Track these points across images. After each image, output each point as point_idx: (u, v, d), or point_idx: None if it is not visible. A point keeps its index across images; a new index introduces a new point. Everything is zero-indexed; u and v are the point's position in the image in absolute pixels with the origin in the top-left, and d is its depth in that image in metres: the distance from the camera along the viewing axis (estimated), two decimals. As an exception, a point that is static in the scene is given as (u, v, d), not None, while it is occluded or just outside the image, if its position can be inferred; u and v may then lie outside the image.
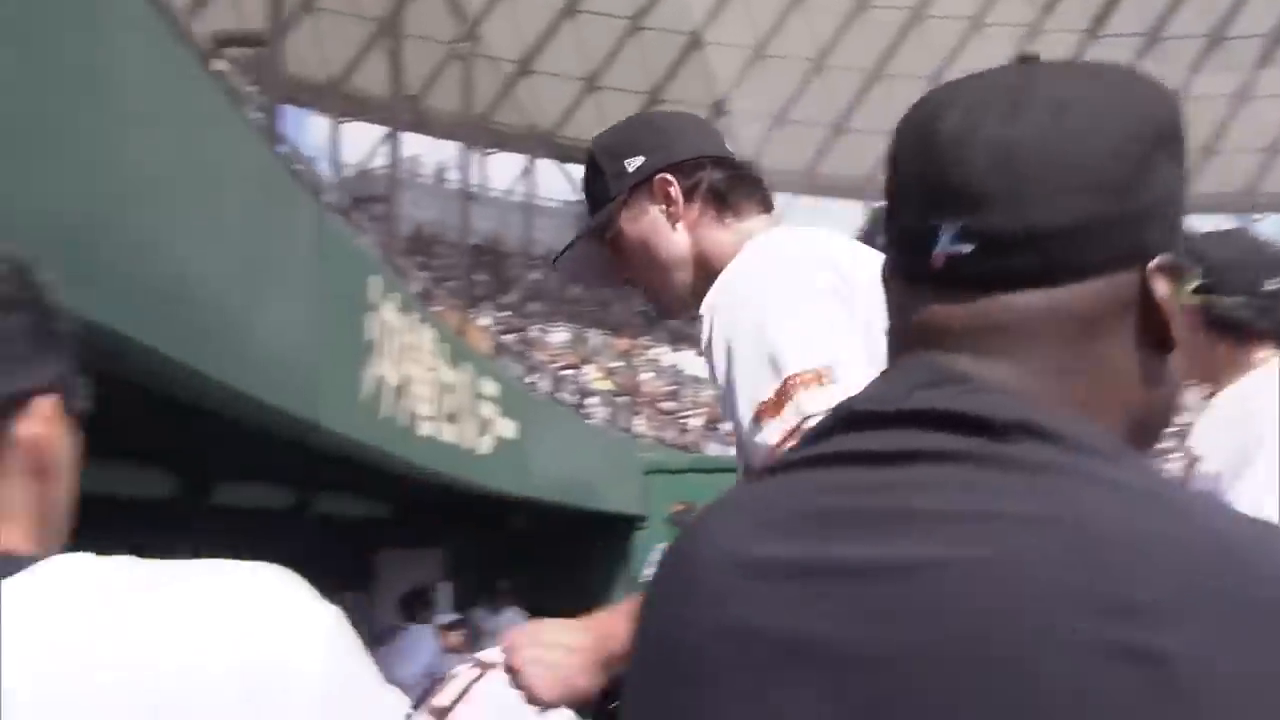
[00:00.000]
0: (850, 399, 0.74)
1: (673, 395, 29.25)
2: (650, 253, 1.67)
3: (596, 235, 1.72)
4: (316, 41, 28.21)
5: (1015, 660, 0.59)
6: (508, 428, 8.60)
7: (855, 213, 39.41)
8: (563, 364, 19.15)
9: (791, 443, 1.31)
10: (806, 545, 0.66)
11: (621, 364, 28.58)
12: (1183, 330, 0.71)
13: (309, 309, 4.37)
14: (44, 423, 0.85)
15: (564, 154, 32.21)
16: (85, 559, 0.82)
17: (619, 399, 22.87)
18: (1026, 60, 0.74)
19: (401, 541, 10.52)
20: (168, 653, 0.78)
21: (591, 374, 24.23)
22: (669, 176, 1.66)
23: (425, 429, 6.39)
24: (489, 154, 31.77)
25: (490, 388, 8.21)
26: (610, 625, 1.43)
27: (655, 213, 1.66)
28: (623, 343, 30.26)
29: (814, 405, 1.35)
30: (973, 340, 0.70)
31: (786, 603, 0.65)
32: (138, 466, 5.52)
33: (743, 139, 36.51)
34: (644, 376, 28.42)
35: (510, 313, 25.88)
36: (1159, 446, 0.79)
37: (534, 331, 18.43)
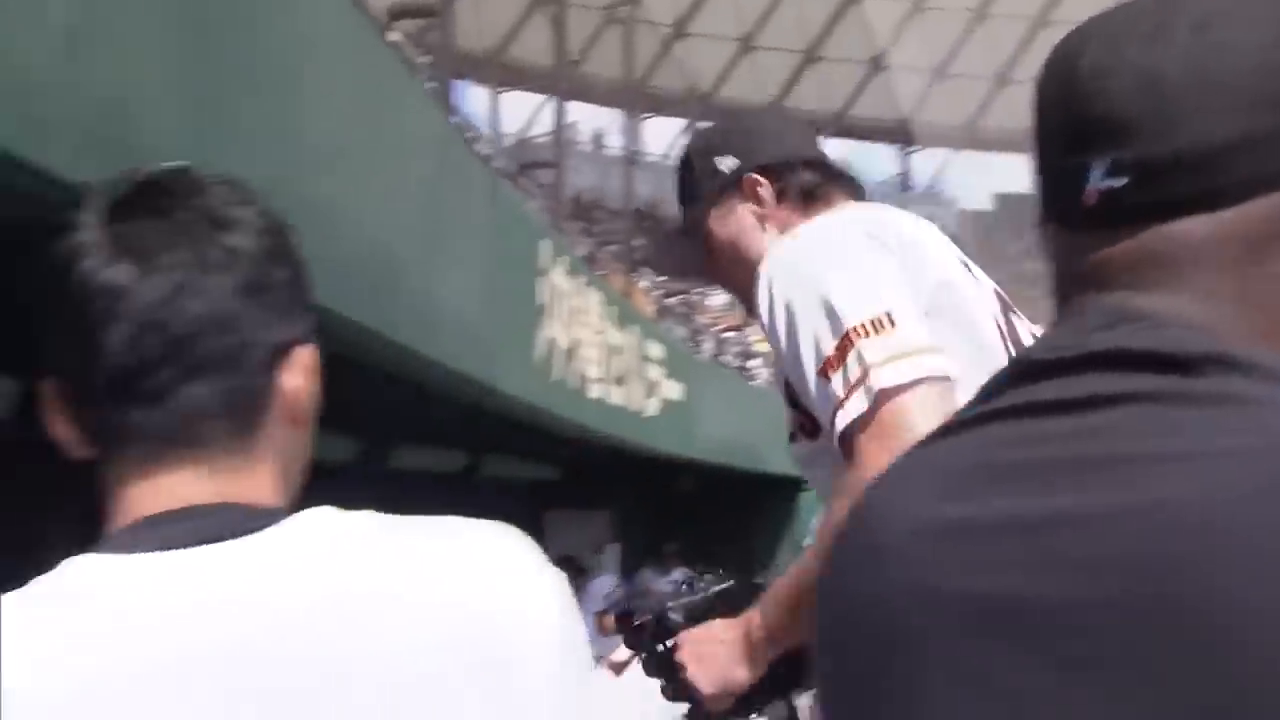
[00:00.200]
0: (1025, 349, 0.71)
1: (834, 357, 28.93)
2: (738, 252, 1.67)
3: (687, 232, 1.74)
4: (475, 12, 28.64)
5: (1224, 606, 0.56)
6: (674, 390, 8.64)
7: (1019, 167, 38.34)
8: (725, 326, 19.15)
9: (858, 393, 1.36)
10: (992, 503, 0.64)
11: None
12: None
13: (484, 273, 4.44)
14: (303, 373, 0.86)
15: (723, 117, 32.01)
16: (332, 511, 0.83)
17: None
18: None
19: (569, 503, 10.68)
20: (421, 595, 0.79)
21: (753, 336, 24.19)
22: (759, 177, 1.66)
23: (594, 391, 6.45)
24: (646, 118, 31.87)
25: (656, 350, 8.25)
26: (753, 619, 1.49)
27: (745, 213, 1.67)
28: (782, 305, 30.02)
29: (874, 353, 1.37)
30: (1137, 276, 0.67)
31: (978, 563, 0.63)
32: (320, 431, 5.70)
33: (901, 95, 35.86)
34: (804, 338, 28.17)
35: (669, 276, 25.98)
36: None
37: (694, 295, 18.50)
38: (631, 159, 14.57)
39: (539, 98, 29.45)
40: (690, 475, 10.58)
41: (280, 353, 0.85)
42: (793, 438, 1.57)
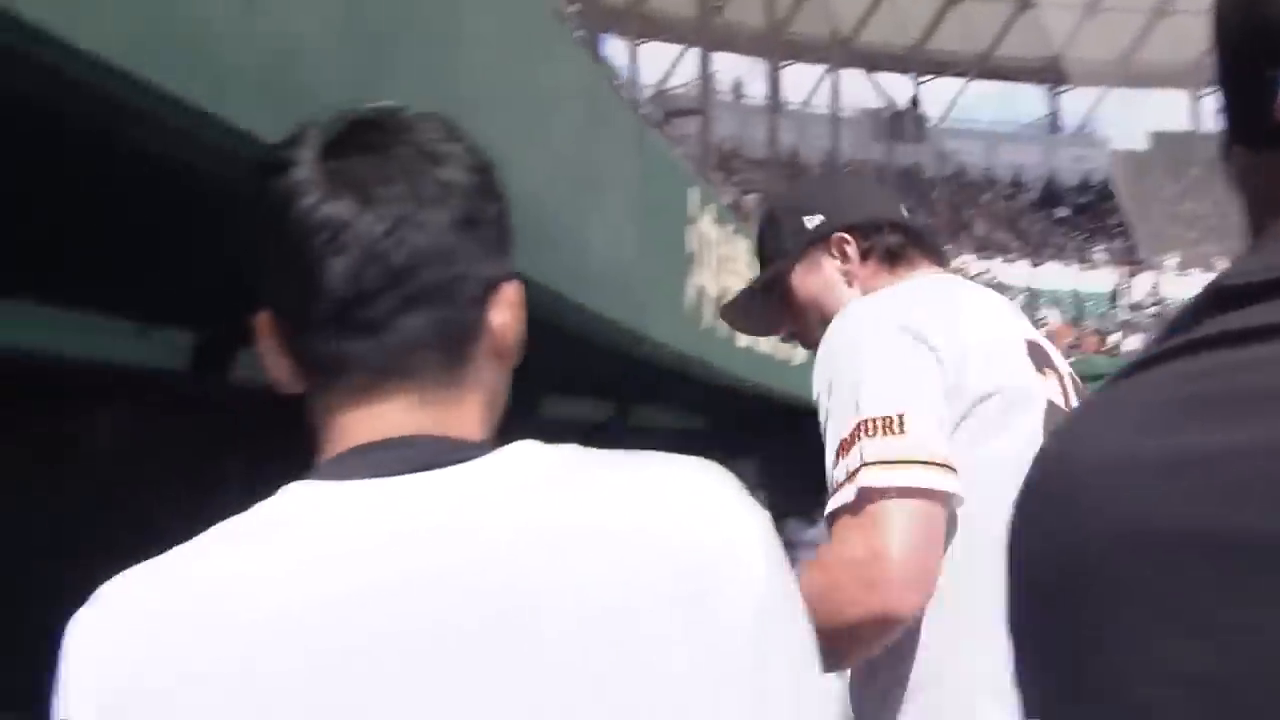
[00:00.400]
0: (1219, 275, 0.67)
1: (981, 305, 28.35)
2: (821, 309, 1.69)
3: (766, 287, 1.76)
4: (612, -36, 28.56)
5: None
6: (820, 338, 8.56)
7: (1178, 103, 36.78)
8: (869, 274, 18.99)
9: (849, 484, 1.40)
10: (1194, 435, 0.61)
11: (926, 274, 27.90)
12: None
13: (634, 221, 4.45)
14: (509, 309, 0.87)
15: (863, 61, 31.47)
16: (537, 445, 0.84)
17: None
18: None
19: (716, 453, 10.67)
20: (625, 528, 0.79)
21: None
22: (846, 235, 1.69)
23: (743, 340, 6.44)
24: (785, 65, 31.44)
25: (802, 298, 8.18)
26: None
27: (830, 270, 1.70)
28: (927, 252, 29.50)
29: (872, 452, 1.41)
30: None
31: (1180, 497, 0.60)
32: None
33: (1050, 31, 34.64)
34: (950, 286, 27.68)
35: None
36: None
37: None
38: (774, 106, 14.40)
39: (676, 49, 29.26)
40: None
41: (490, 287, 0.86)
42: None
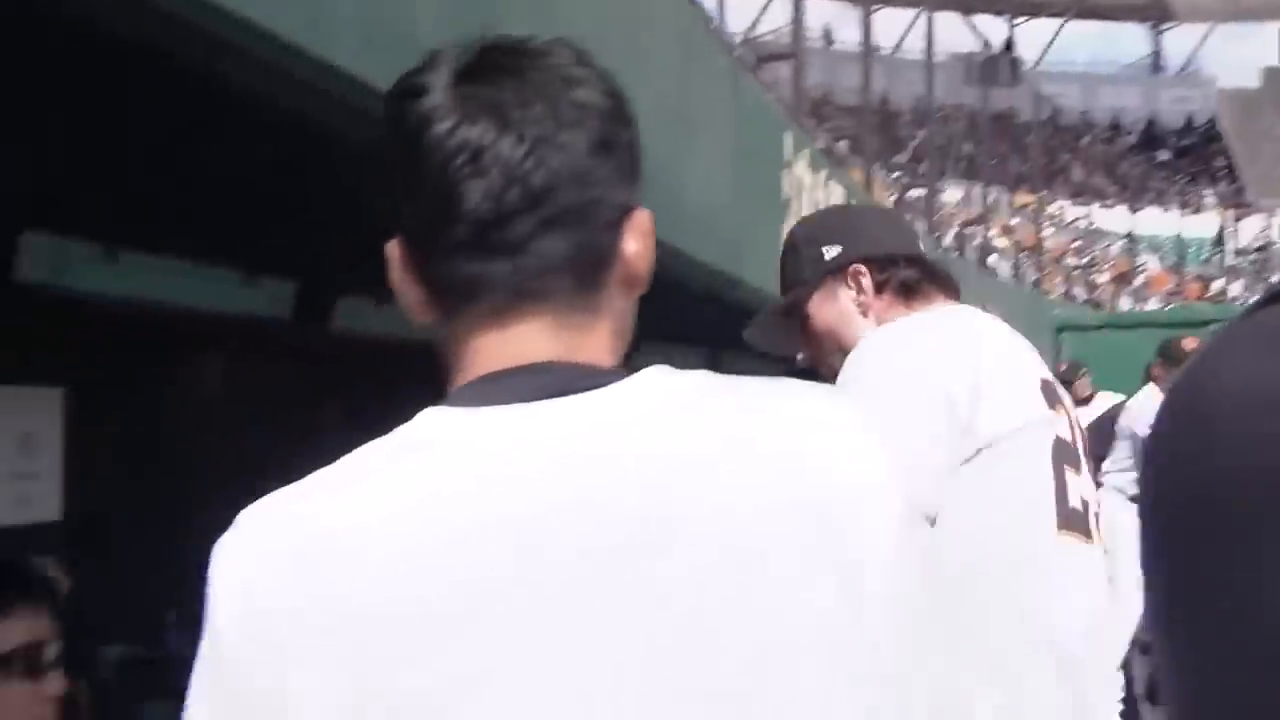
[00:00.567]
0: None
1: (1079, 251, 27.75)
2: (837, 337, 1.74)
3: (789, 313, 1.80)
4: (699, -90, 28.16)
5: None
6: (914, 285, 8.45)
7: (1288, 39, 35.37)
8: (965, 220, 18.60)
9: None
10: None
11: (1022, 221, 27.37)
12: None
13: (729, 165, 4.42)
14: (641, 237, 0.87)
15: (957, 4, 30.76)
16: (669, 370, 0.83)
17: (1023, 254, 21.98)
18: None
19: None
20: (756, 453, 0.79)
21: (992, 231, 23.39)
22: (863, 267, 1.73)
23: (836, 286, 6.38)
24: (876, 9, 30.86)
25: (896, 244, 8.07)
26: None
27: (846, 300, 1.74)
28: (1023, 198, 28.92)
29: None
30: None
31: None
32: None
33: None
34: (1047, 232, 27.11)
35: (901, 172, 25.31)
36: None
37: (927, 190, 18.00)
38: (867, 52, 14.16)
39: (765, -5, 28.83)
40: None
41: (624, 214, 0.86)
42: None
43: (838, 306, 1.74)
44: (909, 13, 32.90)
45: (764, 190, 5.02)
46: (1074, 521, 1.55)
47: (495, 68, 0.84)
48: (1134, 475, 6.71)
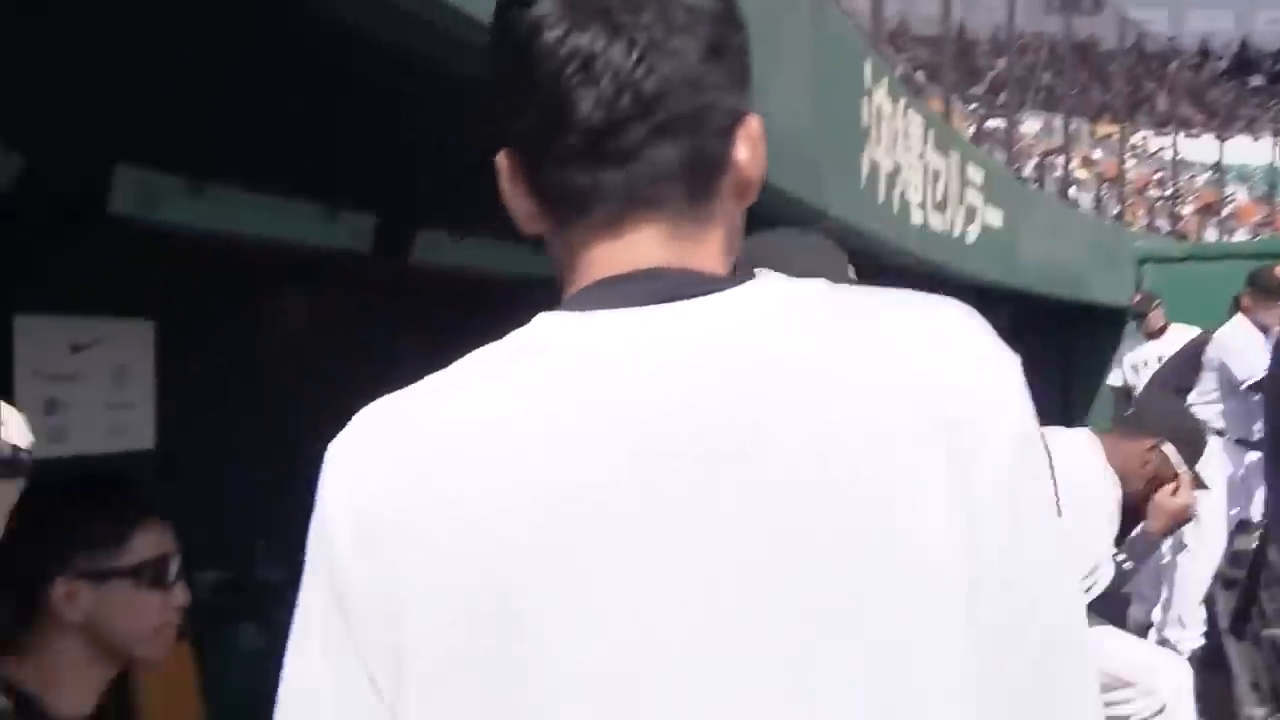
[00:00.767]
0: None
1: (1161, 182, 27.10)
2: None
3: None
4: None
5: None
6: (994, 216, 8.32)
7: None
8: (1045, 151, 18.23)
9: None
10: None
11: (1103, 153, 26.74)
12: None
13: (809, 91, 4.35)
14: (752, 145, 0.85)
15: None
16: (784, 278, 0.83)
17: (1105, 185, 21.52)
18: None
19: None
20: (874, 360, 0.79)
21: (1075, 162, 22.90)
22: None
23: (916, 216, 6.29)
24: (954, -66, 30.07)
25: (977, 175, 7.94)
26: None
27: None
28: (1105, 128, 28.22)
29: None
30: None
31: None
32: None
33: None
34: (1129, 163, 26.46)
35: (978, 104, 24.81)
36: None
37: (1006, 121, 17.64)
38: (945, -23, 13.81)
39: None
40: (1009, 305, 10.25)
41: (736, 120, 0.84)
42: None
43: None
44: (988, -63, 32.05)
45: (844, 118, 4.94)
46: None
47: None
48: (1220, 408, 6.58)
